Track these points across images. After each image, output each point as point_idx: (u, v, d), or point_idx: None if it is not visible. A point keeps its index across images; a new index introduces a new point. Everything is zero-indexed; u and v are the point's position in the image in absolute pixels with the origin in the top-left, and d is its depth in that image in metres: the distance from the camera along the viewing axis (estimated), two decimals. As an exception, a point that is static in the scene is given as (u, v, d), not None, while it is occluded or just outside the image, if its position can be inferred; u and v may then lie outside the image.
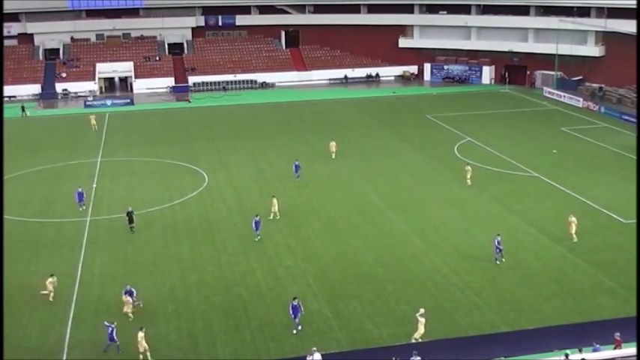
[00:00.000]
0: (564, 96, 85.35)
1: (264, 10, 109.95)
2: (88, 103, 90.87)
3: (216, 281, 37.63)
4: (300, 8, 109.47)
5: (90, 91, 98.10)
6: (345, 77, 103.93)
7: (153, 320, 33.43)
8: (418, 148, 63.77)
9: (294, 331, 31.89)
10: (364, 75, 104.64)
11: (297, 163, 55.04)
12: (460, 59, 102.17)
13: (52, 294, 35.42)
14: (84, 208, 48.74)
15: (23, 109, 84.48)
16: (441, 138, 67.54)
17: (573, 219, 41.65)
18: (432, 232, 43.68)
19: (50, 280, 35.58)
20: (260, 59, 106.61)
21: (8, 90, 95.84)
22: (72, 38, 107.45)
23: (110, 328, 30.47)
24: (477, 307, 34.17)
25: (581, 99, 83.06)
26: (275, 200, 46.63)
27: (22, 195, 52.30)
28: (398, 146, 64.78)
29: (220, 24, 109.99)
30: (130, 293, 34.09)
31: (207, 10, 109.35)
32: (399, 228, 44.67)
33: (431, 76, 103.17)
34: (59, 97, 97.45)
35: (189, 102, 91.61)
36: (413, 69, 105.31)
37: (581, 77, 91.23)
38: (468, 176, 52.45)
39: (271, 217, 45.94)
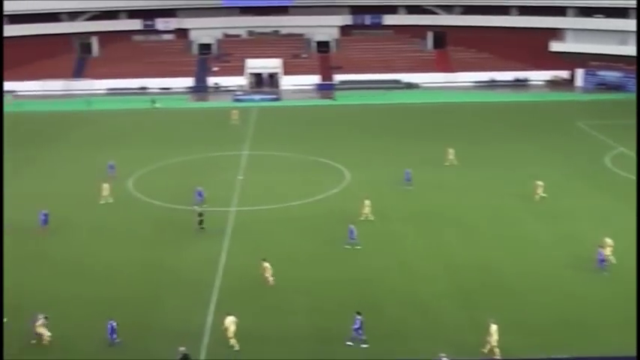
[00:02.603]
0: None
1: (412, 10, 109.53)
2: (236, 97, 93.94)
3: (350, 278, 37.90)
4: (449, 9, 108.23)
5: (239, 86, 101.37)
6: (492, 80, 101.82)
7: (286, 312, 34.18)
8: (566, 157, 61.46)
9: (350, 343, 31.26)
10: (512, 78, 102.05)
11: (408, 170, 54.00)
12: (615, 65, 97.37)
13: (271, 278, 36.65)
14: (202, 207, 49.88)
15: (153, 101, 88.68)
16: (590, 147, 64.75)
17: None
18: (575, 244, 41.95)
19: (266, 265, 36.84)
20: (405, 59, 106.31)
21: (163, 82, 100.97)
22: (224, 34, 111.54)
23: (111, 326, 31.08)
24: (627, 325, 32.26)
25: None
26: (368, 202, 46.36)
27: (173, 183, 54.72)
28: (542, 153, 62.74)
29: (368, 23, 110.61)
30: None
31: (355, 9, 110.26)
32: (542, 238, 43.32)
33: (583, 82, 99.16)
34: (210, 91, 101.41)
35: (334, 100, 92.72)
36: (564, 74, 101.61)
37: None
38: (538, 191, 49.88)
39: (362, 219, 45.66)
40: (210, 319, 33.35)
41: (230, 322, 30.91)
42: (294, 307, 34.69)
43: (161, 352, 30.06)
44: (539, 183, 50.07)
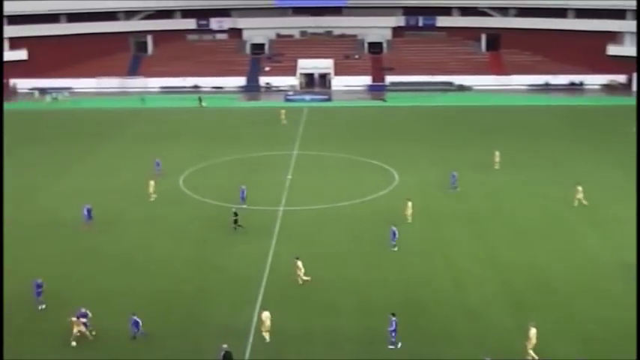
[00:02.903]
0: None
1: (466, 11, 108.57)
2: (288, 97, 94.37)
3: (398, 279, 37.72)
4: (503, 11, 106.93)
5: (290, 86, 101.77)
6: (546, 83, 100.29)
7: (333, 312, 34.13)
8: (618, 163, 59.94)
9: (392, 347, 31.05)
10: (566, 82, 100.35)
11: (454, 173, 53.48)
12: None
13: (304, 277, 36.87)
14: (244, 206, 49.67)
15: (200, 100, 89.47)
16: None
17: None
18: (624, 251, 40.86)
19: (299, 263, 37.02)
20: (458, 61, 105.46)
21: (216, 81, 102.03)
22: (277, 34, 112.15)
23: (134, 320, 31.35)
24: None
25: None
26: (410, 204, 46.07)
27: (221, 181, 55.14)
28: (594, 159, 61.52)
29: (421, 25, 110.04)
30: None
31: (408, 11, 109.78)
32: (591, 244, 42.49)
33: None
34: (262, 90, 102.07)
35: (385, 101, 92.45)
36: (621, 78, 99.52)
37: None
38: (578, 196, 48.74)
39: (409, 221, 45.52)
40: (256, 317, 33.48)
41: (266, 317, 31.35)
42: (340, 307, 34.62)
43: (207, 347, 30.27)
44: (579, 188, 49.16)
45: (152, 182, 51.34)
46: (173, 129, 76.12)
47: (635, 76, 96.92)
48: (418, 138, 70.21)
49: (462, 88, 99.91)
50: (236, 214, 44.81)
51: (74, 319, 31.11)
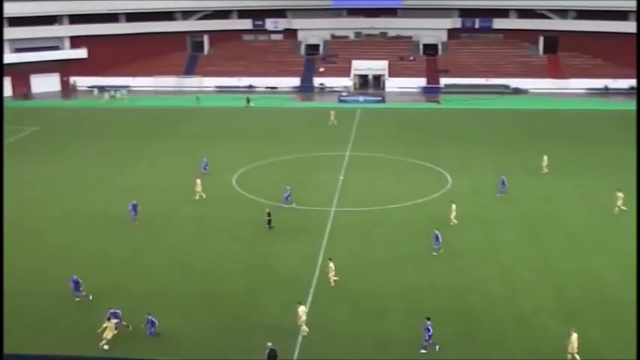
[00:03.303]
0: None
1: (524, 14, 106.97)
2: (341, 98, 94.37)
3: (449, 284, 37.36)
4: (562, 13, 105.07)
5: (344, 87, 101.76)
6: (606, 87, 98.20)
7: (382, 315, 33.99)
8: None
9: (423, 351, 30.72)
10: (627, 86, 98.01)
11: (503, 177, 52.78)
12: None
13: (333, 279, 37.00)
14: (293, 204, 49.81)
15: (248, 100, 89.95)
16: None
17: None
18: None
19: (331, 265, 37.13)
20: (514, 64, 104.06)
21: (270, 81, 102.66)
22: (332, 35, 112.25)
23: (148, 320, 31.45)
24: None
25: None
26: (454, 206, 45.69)
27: (274, 181, 55.32)
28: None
29: (477, 26, 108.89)
30: None
31: (464, 12, 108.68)
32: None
33: None
34: (316, 91, 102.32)
35: (439, 103, 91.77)
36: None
37: None
38: (618, 203, 47.55)
39: (452, 223, 45.31)
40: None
41: (302, 311, 32.15)
42: (390, 311, 34.47)
43: (256, 347, 30.34)
44: (620, 194, 48.10)
45: (198, 181, 51.83)
46: (227, 128, 76.81)
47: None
48: (472, 141, 69.49)
49: (517, 91, 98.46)
50: (269, 215, 44.89)
51: (107, 324, 31.14)
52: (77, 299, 35.40)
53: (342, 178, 56.75)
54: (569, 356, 29.46)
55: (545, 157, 58.04)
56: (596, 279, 37.83)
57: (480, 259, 40.57)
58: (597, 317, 33.61)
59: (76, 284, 35.47)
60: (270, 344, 28.98)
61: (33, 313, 34.14)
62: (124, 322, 32.06)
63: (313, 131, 74.70)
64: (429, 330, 30.48)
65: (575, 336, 29.34)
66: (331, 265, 37.09)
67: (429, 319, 30.80)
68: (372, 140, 69.90)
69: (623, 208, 47.63)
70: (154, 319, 31.68)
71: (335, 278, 36.95)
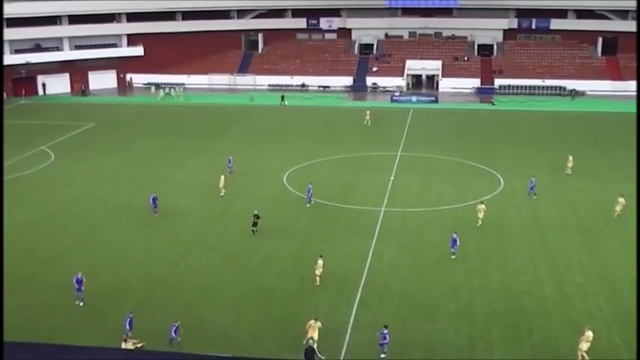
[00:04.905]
0: None
1: (582, 14, 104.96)
2: (394, 98, 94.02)
3: (501, 287, 36.88)
4: (622, 14, 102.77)
5: (397, 87, 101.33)
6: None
7: (433, 316, 33.76)
8: None
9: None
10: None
11: (532, 179, 51.63)
12: None
13: (318, 277, 36.89)
14: (312, 202, 49.49)
15: (283, 98, 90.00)
16: None
17: None
18: None
19: (320, 262, 37.01)
20: (572, 65, 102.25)
21: (322, 80, 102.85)
22: (386, 35, 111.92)
23: (174, 327, 30.58)
24: None
25: None
26: (483, 206, 45.38)
27: (325, 180, 55.38)
28: None
29: (533, 27, 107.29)
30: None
31: (521, 13, 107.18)
32: None
33: None
34: (368, 91, 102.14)
35: (493, 104, 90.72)
36: None
37: None
38: (617, 208, 46.61)
39: (479, 224, 45.01)
40: (352, 317, 33.53)
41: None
42: (439, 312, 34.22)
43: (301, 345, 30.47)
44: (621, 200, 47.10)
45: (222, 177, 52.09)
46: (279, 127, 77.13)
47: None
48: (526, 143, 68.47)
49: (574, 93, 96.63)
50: (257, 217, 44.18)
51: (126, 343, 29.92)
52: (78, 302, 34.65)
53: (392, 178, 56.51)
54: (580, 355, 29.12)
55: (570, 158, 57.33)
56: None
57: (533, 262, 39.97)
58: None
59: (79, 283, 34.29)
60: (310, 341, 29.33)
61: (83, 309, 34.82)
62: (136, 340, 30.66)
63: (365, 131, 74.52)
64: (385, 338, 29.90)
65: (589, 334, 28.90)
66: (320, 262, 36.83)
67: (386, 327, 30.27)
68: (424, 141, 69.42)
69: (619, 212, 46.89)
70: (178, 327, 30.84)
71: (319, 277, 36.76)
